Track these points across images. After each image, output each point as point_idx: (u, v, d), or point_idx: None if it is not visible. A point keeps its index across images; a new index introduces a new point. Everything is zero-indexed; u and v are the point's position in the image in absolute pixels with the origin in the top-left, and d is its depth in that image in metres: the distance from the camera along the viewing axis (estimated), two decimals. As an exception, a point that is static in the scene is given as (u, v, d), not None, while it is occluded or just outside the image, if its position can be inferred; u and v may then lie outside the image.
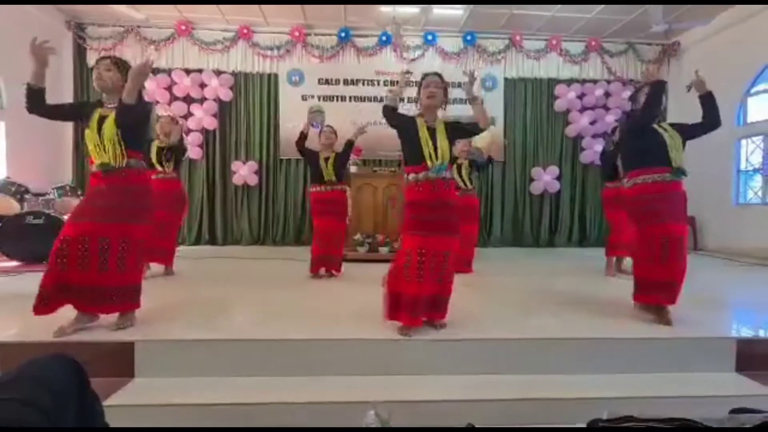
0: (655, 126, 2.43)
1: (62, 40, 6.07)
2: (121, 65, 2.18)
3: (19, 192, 4.61)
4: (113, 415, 0.96)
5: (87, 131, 2.09)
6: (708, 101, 2.45)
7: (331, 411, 1.71)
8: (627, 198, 2.53)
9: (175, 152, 3.70)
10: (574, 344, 2.11)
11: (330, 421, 1.69)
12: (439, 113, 2.36)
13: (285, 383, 1.87)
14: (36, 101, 2.04)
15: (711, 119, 2.45)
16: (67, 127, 6.27)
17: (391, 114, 2.32)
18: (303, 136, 3.64)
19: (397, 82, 2.41)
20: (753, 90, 5.77)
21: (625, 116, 2.77)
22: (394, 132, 2.34)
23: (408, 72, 2.47)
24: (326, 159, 3.62)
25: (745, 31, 5.65)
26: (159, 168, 3.60)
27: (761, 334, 2.37)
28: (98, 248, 2.02)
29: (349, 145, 3.72)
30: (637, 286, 2.49)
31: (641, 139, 2.44)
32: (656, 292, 2.39)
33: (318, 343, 2.04)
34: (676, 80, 6.74)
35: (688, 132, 2.47)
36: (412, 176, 2.24)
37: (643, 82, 2.49)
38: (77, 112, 2.26)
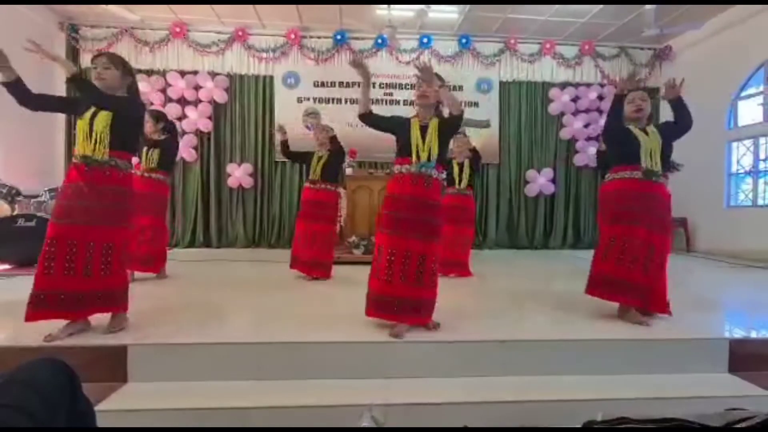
0: (632, 128, 2.48)
1: (55, 41, 6.03)
2: (117, 61, 2.19)
3: (11, 194, 4.56)
4: (106, 420, 0.95)
5: (79, 121, 2.07)
6: (677, 106, 2.52)
7: (326, 414, 1.70)
8: (602, 193, 2.63)
9: (161, 148, 3.52)
10: (569, 346, 2.12)
11: (326, 424, 1.68)
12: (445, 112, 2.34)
13: (280, 387, 1.85)
14: (21, 94, 1.97)
15: (682, 122, 2.52)
16: (60, 128, 6.22)
17: (371, 120, 2.33)
18: (283, 144, 3.80)
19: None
20: (743, 93, 5.85)
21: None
22: (390, 134, 2.35)
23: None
24: (319, 158, 3.66)
25: (736, 35, 5.73)
26: (143, 163, 3.46)
27: (753, 334, 2.39)
28: (84, 253, 2.00)
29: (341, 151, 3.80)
30: (588, 280, 2.60)
31: (617, 141, 2.54)
32: (607, 288, 2.46)
33: (313, 346, 2.03)
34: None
35: (666, 132, 2.51)
36: (396, 168, 2.26)
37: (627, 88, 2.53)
38: (72, 106, 2.21)
